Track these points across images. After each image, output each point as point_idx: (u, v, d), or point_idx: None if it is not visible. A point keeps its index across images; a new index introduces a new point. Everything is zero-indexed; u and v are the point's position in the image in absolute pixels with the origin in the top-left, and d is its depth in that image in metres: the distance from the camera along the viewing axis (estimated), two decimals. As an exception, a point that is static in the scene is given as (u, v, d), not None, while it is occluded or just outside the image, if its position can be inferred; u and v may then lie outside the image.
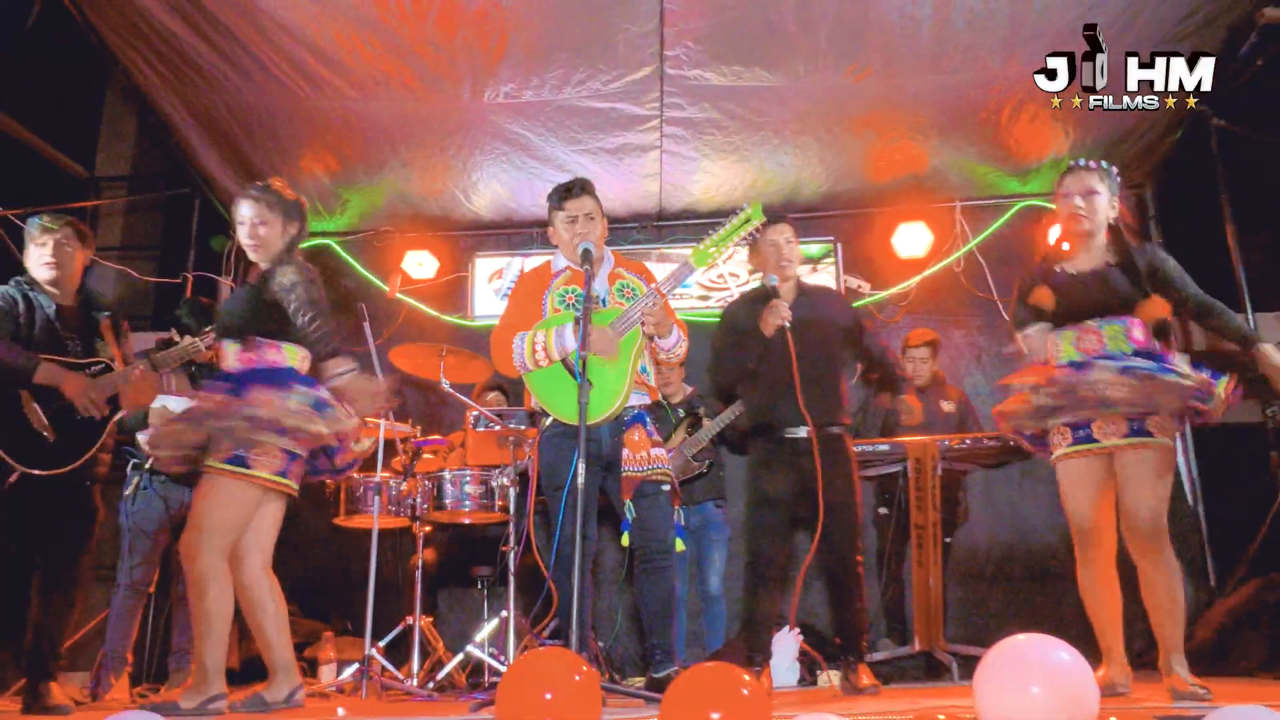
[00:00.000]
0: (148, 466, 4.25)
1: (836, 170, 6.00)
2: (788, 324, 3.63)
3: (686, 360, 5.25)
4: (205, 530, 3.00)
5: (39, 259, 3.61)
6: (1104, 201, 3.22)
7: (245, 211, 3.23)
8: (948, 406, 5.33)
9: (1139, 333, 3.12)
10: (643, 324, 3.39)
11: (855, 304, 6.13)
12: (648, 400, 3.57)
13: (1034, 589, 5.78)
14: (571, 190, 3.54)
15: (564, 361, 3.40)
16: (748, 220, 3.47)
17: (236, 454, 3.00)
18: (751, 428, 3.97)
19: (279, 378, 3.07)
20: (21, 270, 3.66)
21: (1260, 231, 6.24)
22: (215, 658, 3.01)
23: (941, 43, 4.79)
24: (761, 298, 3.81)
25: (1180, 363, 2.99)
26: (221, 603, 3.02)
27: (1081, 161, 3.29)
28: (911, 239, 6.19)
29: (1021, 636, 2.10)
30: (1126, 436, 3.05)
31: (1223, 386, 2.96)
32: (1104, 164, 3.28)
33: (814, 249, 6.33)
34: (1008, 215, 6.25)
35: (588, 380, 3.08)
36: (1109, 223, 3.24)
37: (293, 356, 3.18)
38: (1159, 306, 3.12)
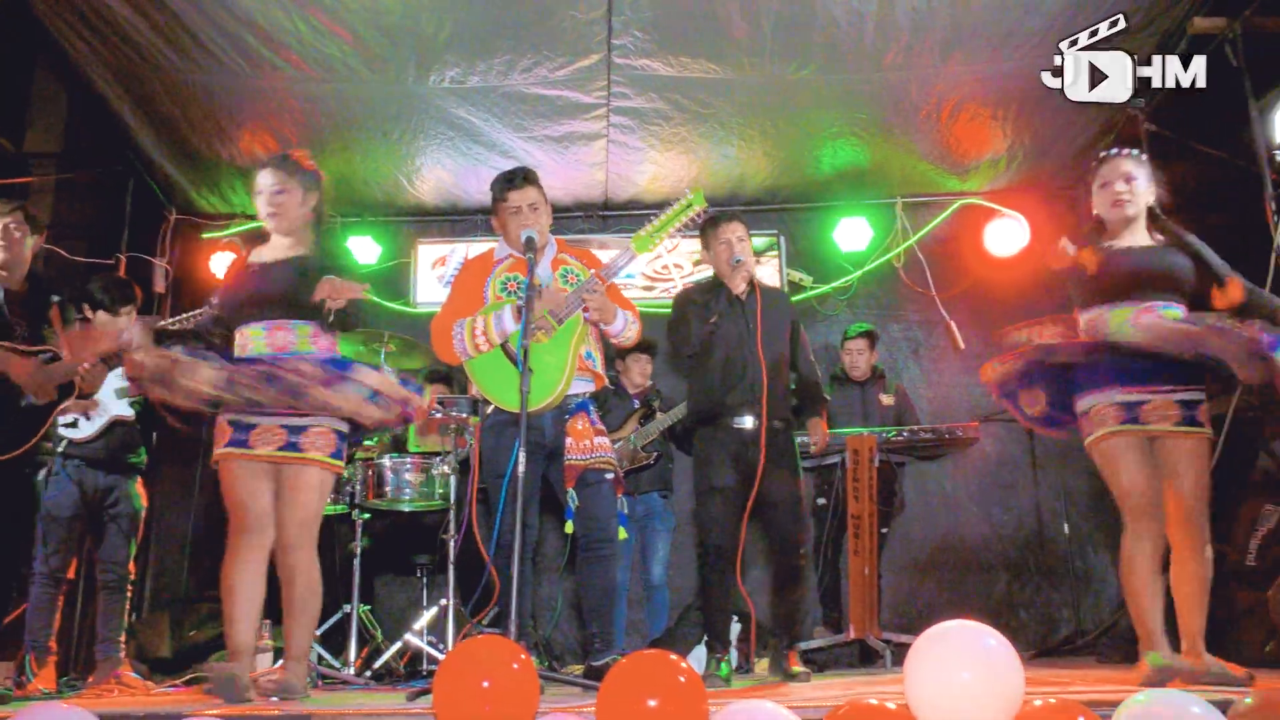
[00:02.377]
0: (62, 450, 4.11)
1: (780, 164, 6.04)
2: (753, 286, 3.73)
3: (657, 355, 5.32)
4: (315, 522, 3.04)
5: None
6: (1143, 185, 3.21)
7: (265, 180, 3.15)
8: (886, 399, 5.41)
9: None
10: (585, 310, 3.39)
11: (796, 297, 6.21)
12: (593, 388, 3.56)
13: (967, 579, 5.91)
14: (514, 180, 3.52)
15: (504, 348, 3.38)
16: (689, 206, 3.48)
17: (339, 447, 3.03)
18: (697, 418, 3.96)
19: (343, 367, 3.02)
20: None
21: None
22: None
23: (884, 40, 4.85)
24: (713, 286, 3.86)
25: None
26: None
27: (1115, 150, 3.29)
28: (853, 234, 6.26)
29: (950, 623, 2.15)
30: (1178, 424, 2.98)
31: None
32: (1135, 151, 3.31)
33: (758, 242, 6.35)
34: (947, 212, 6.35)
35: (529, 367, 3.07)
36: (1148, 206, 3.24)
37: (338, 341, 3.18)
38: (1236, 290, 3.01)
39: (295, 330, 3.04)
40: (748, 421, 3.72)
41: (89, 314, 4.08)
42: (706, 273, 6.29)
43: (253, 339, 3.04)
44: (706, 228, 3.92)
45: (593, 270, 3.47)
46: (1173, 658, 2.93)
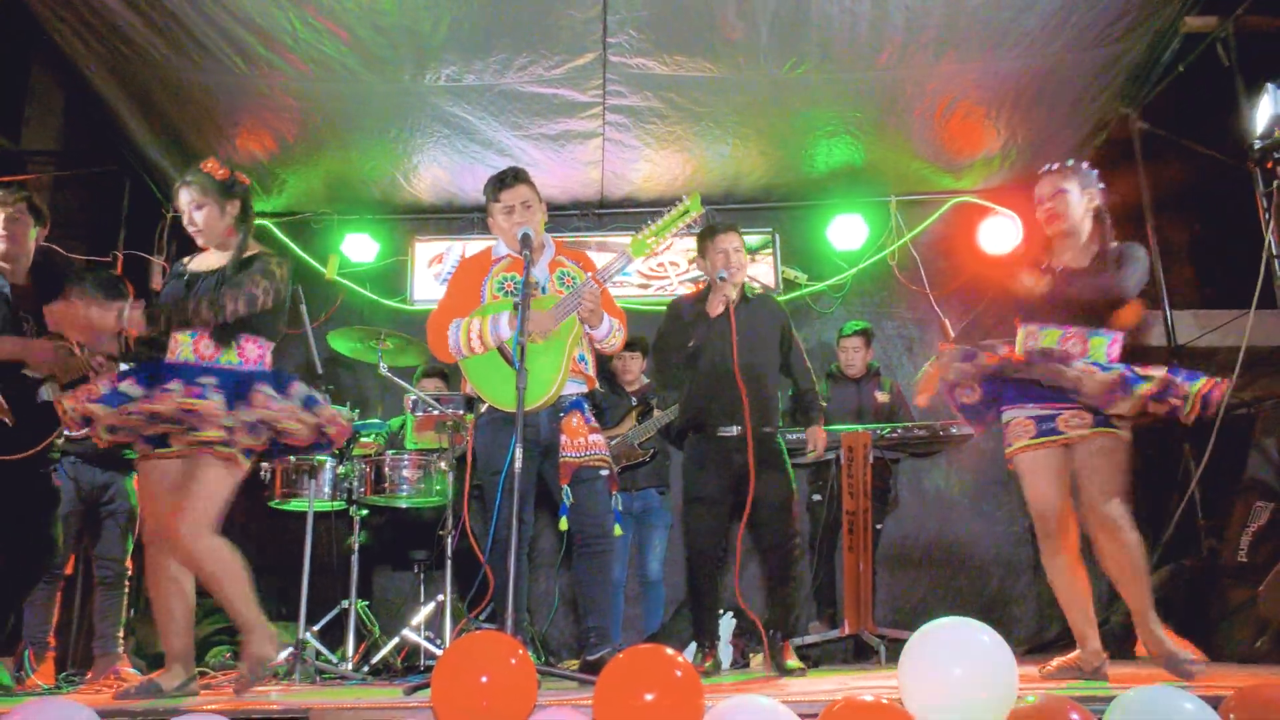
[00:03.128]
0: (59, 446, 4.11)
1: (776, 162, 6.05)
2: (732, 303, 3.76)
3: (647, 352, 5.32)
4: (213, 511, 2.95)
5: None
6: (1075, 198, 3.20)
7: (181, 199, 3.14)
8: (881, 396, 5.42)
9: (1117, 349, 3.11)
10: (578, 313, 3.39)
11: (791, 295, 6.22)
12: (585, 389, 3.56)
13: (960, 575, 5.93)
14: (505, 180, 3.52)
15: (499, 348, 3.38)
16: (686, 212, 3.47)
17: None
18: (686, 424, 4.05)
19: (277, 380, 3.01)
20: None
21: (1179, 231, 6.45)
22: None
23: (879, 40, 4.85)
24: (704, 296, 3.93)
25: (1151, 372, 2.97)
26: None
27: (1050, 166, 3.29)
28: (848, 232, 6.27)
29: (945, 620, 2.16)
30: (1092, 426, 3.06)
31: (1196, 388, 2.90)
32: (1070, 161, 3.28)
33: (753, 240, 6.37)
34: (941, 210, 6.36)
35: (524, 367, 3.07)
36: (1093, 216, 3.23)
37: (267, 353, 3.12)
38: (1131, 314, 3.09)
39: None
40: (732, 430, 3.84)
41: None
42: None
43: (181, 345, 3.03)
44: (705, 236, 4.00)
45: (589, 274, 3.47)
46: (1096, 658, 3.12)
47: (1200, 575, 4.58)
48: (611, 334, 3.53)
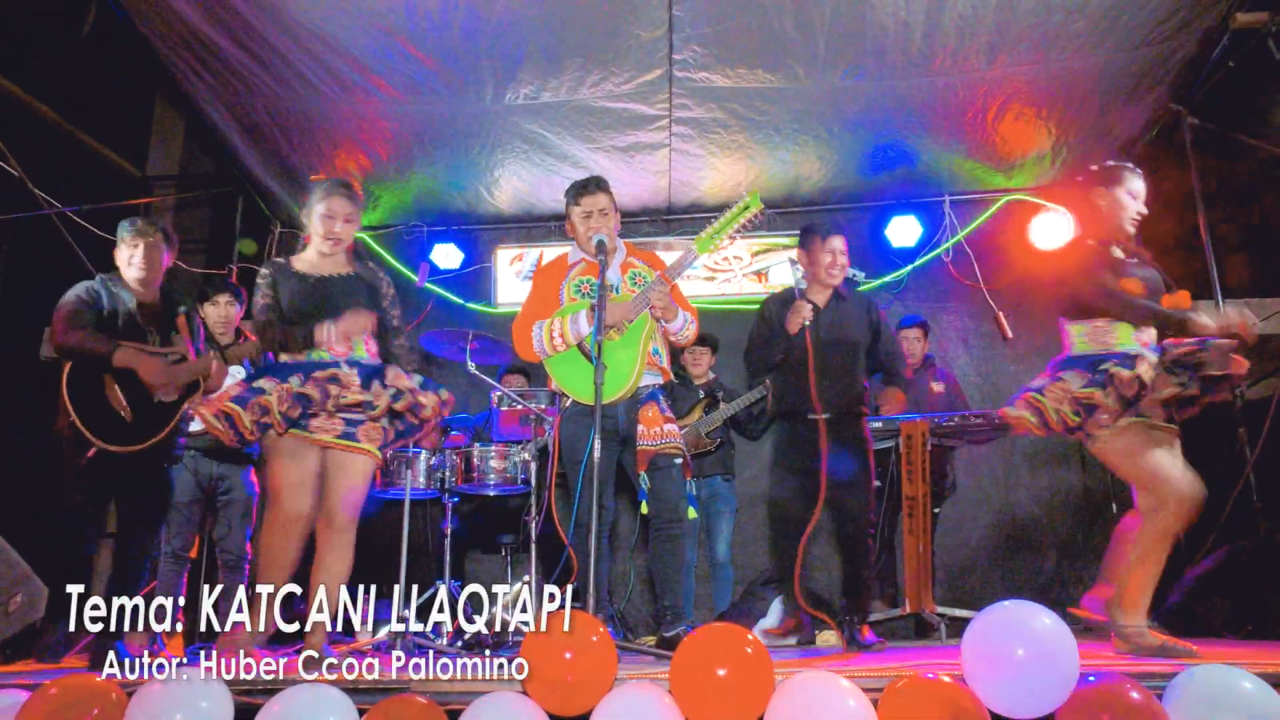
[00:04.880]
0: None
1: (833, 166, 5.96)
2: (808, 323, 3.72)
3: (719, 348, 5.32)
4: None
5: (130, 260, 3.60)
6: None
7: (344, 206, 3.22)
8: (937, 387, 5.32)
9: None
10: (651, 309, 3.39)
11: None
12: (661, 380, 3.57)
13: (1017, 556, 5.80)
14: (587, 187, 3.54)
15: (579, 346, 3.40)
16: (746, 209, 3.46)
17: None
18: (777, 410, 4.04)
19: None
20: (79, 263, 3.67)
21: (1230, 224, 6.20)
22: None
23: (932, 46, 4.74)
24: (790, 299, 3.88)
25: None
26: None
27: (1129, 165, 3.31)
28: (904, 231, 6.17)
29: (1007, 602, 2.11)
30: (1167, 421, 3.07)
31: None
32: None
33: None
34: (994, 209, 6.21)
35: (602, 363, 3.09)
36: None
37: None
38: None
39: None
40: (817, 417, 3.78)
41: (198, 308, 4.28)
42: (765, 263, 6.23)
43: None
44: (812, 233, 3.96)
45: (658, 272, 3.47)
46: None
47: (1257, 556, 4.40)
48: (685, 327, 3.54)
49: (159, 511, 3.66)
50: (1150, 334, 3.11)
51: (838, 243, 3.91)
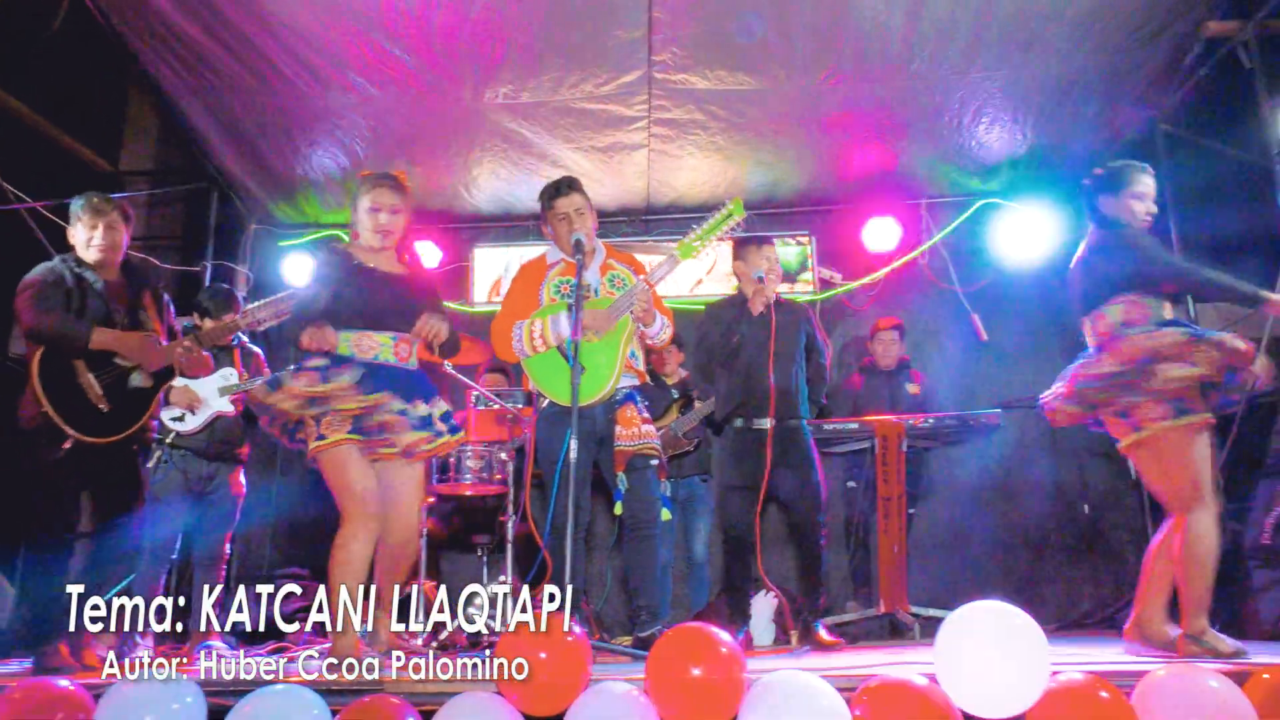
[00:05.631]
0: (169, 441, 4.23)
1: (812, 168, 5.99)
2: (772, 304, 3.82)
3: (684, 348, 5.33)
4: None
5: (90, 241, 3.49)
6: None
7: (389, 198, 3.16)
8: (912, 388, 5.36)
9: None
10: (631, 312, 3.40)
11: (827, 294, 6.18)
12: (637, 382, 3.59)
13: (991, 557, 5.84)
14: (560, 189, 3.54)
15: (559, 347, 3.40)
16: (729, 215, 3.46)
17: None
18: (724, 417, 4.09)
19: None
20: (50, 259, 3.59)
21: (1200, 228, 6.28)
22: None
23: (909, 51, 4.78)
24: (740, 302, 4.00)
25: None
26: None
27: (1144, 164, 3.28)
28: (881, 233, 6.19)
29: (979, 603, 2.13)
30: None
31: None
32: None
33: (792, 242, 6.33)
34: (969, 212, 6.26)
35: (580, 365, 3.08)
36: None
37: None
38: None
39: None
40: (765, 423, 3.89)
41: (198, 321, 4.23)
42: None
43: (382, 346, 3.07)
44: (749, 244, 4.05)
45: (640, 276, 3.48)
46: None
47: (1224, 558, 4.43)
48: (662, 331, 3.54)
49: (135, 503, 3.58)
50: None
51: (772, 251, 4.03)
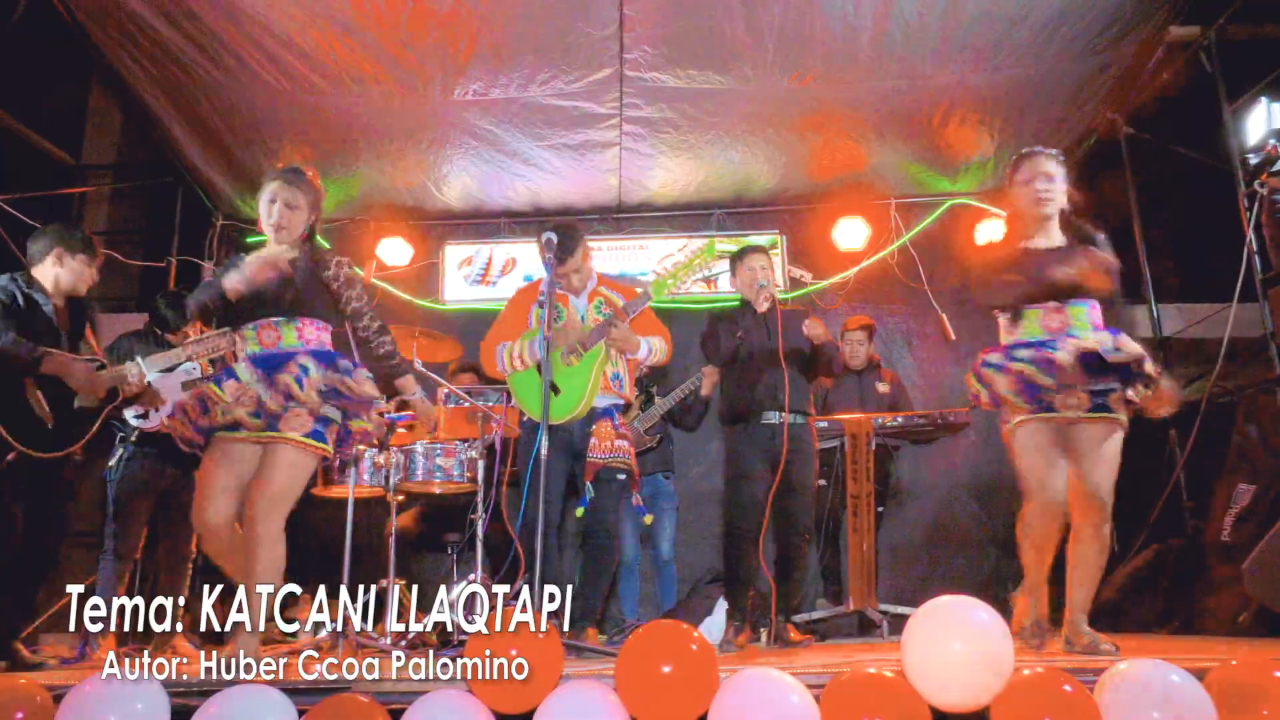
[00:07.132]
0: (133, 439, 4.18)
1: (782, 168, 6.02)
2: (776, 300, 3.94)
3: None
4: (287, 498, 2.95)
5: (59, 280, 3.62)
6: (1060, 185, 3.09)
7: (281, 193, 3.10)
8: (882, 387, 5.40)
9: (1098, 315, 3.00)
10: (605, 343, 3.60)
11: (797, 293, 6.22)
12: (620, 403, 3.77)
13: (959, 554, 5.91)
14: (562, 260, 3.60)
15: (538, 367, 3.59)
16: (702, 256, 3.70)
17: (316, 429, 2.91)
18: (731, 412, 4.10)
19: (336, 358, 2.97)
20: (9, 253, 3.59)
21: (1163, 230, 6.40)
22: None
23: (879, 51, 4.82)
24: (740, 310, 4.13)
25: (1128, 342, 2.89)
26: None
27: (1037, 148, 3.15)
28: (850, 233, 6.24)
29: (945, 598, 2.15)
30: (1089, 411, 2.94)
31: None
32: (1054, 151, 3.16)
33: (761, 241, 6.36)
34: (938, 212, 6.32)
35: (552, 378, 3.36)
36: (1067, 201, 3.12)
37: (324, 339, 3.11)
38: (1104, 280, 2.94)
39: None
40: (773, 418, 3.94)
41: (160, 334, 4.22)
42: (716, 269, 6.31)
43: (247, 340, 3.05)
44: (735, 259, 4.19)
45: (607, 312, 3.70)
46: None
47: (1185, 554, 4.55)
48: (653, 354, 3.77)
49: (65, 520, 3.67)
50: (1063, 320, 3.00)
51: (756, 259, 4.12)
